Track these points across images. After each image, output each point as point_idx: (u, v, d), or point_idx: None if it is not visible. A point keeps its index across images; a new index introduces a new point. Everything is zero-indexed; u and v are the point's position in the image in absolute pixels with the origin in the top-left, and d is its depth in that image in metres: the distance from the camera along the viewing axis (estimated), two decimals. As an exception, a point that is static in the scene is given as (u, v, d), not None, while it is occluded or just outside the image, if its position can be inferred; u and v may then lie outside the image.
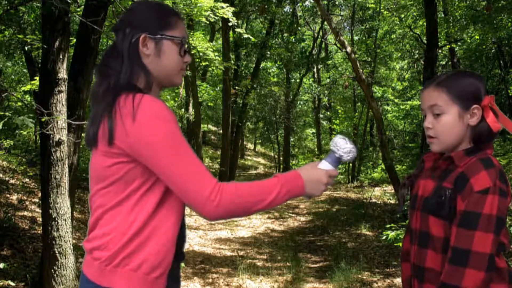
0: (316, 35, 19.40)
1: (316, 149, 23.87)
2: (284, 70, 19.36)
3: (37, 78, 4.80)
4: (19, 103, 8.66)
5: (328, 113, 22.29)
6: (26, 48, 6.71)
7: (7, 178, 7.33)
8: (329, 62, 19.46)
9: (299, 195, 1.38)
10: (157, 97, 1.43)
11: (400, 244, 4.50)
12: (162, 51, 1.39)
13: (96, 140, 1.33)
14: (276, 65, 18.72)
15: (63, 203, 4.15)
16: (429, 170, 1.55)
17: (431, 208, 1.45)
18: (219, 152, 18.06)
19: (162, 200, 1.33)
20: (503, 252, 1.45)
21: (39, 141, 4.82)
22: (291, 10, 17.85)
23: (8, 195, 6.74)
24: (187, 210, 2.37)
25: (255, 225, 8.77)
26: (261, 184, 1.33)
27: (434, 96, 1.46)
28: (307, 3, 18.34)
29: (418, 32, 13.52)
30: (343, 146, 1.43)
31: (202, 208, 1.27)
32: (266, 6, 13.71)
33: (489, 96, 1.45)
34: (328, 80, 20.59)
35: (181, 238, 1.44)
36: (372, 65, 15.15)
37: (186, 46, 1.45)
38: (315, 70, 21.50)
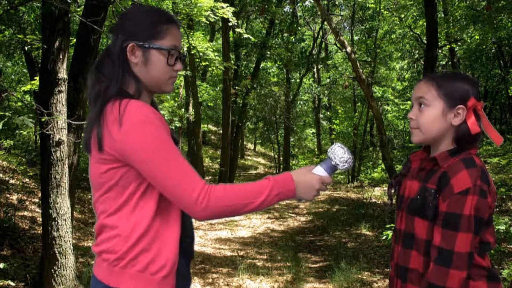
0: (316, 35, 19.40)
1: (316, 149, 23.87)
2: (284, 70, 19.35)
3: (37, 78, 4.80)
4: (19, 103, 8.67)
5: (328, 113, 22.30)
6: (26, 48, 6.71)
7: (7, 178, 7.33)
8: (329, 62, 19.47)
9: (289, 198, 1.40)
10: (148, 102, 1.45)
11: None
12: (149, 60, 1.39)
13: (90, 146, 1.36)
14: (276, 65, 18.71)
15: (63, 203, 4.15)
16: (416, 171, 1.56)
17: (417, 209, 1.46)
18: (219, 152, 18.06)
19: (161, 201, 1.35)
20: (489, 251, 1.46)
21: (39, 141, 4.83)
22: (291, 10, 17.86)
23: (8, 195, 6.74)
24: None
25: (255, 225, 8.77)
26: (251, 186, 1.34)
27: (423, 89, 1.49)
28: (307, 3, 18.36)
29: (418, 32, 13.52)
30: (340, 155, 1.43)
31: (191, 210, 1.29)
32: (266, 6, 13.71)
33: (477, 100, 1.46)
34: (328, 80, 20.60)
35: (188, 236, 1.46)
36: (372, 65, 15.15)
37: (178, 54, 1.44)
38: (315, 70, 21.51)
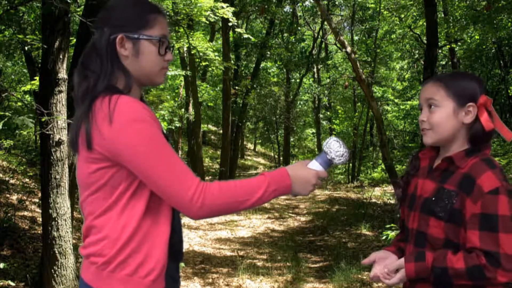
0: (316, 35, 19.40)
1: (316, 149, 23.87)
2: (284, 70, 19.35)
3: (37, 78, 4.80)
4: (19, 103, 8.68)
5: (328, 113, 22.28)
6: (26, 48, 6.71)
7: (7, 178, 7.33)
8: (329, 62, 19.46)
9: (285, 193, 1.37)
10: (138, 97, 1.40)
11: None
12: (140, 51, 1.35)
13: (77, 144, 1.31)
14: (276, 65, 18.71)
15: (63, 203, 4.15)
16: (426, 169, 1.56)
17: (432, 210, 1.45)
18: (219, 152, 18.06)
19: (150, 201, 1.31)
20: None
21: (39, 141, 4.83)
22: (291, 10, 17.86)
23: (8, 195, 6.74)
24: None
25: (255, 225, 8.76)
26: (247, 183, 1.31)
27: (432, 90, 1.49)
28: (307, 3, 18.35)
29: (418, 32, 13.53)
30: (336, 149, 1.41)
31: (186, 209, 1.26)
32: (266, 6, 13.71)
33: (486, 97, 1.46)
34: (328, 80, 20.59)
35: (177, 238, 1.43)
36: (372, 65, 15.14)
37: (168, 43, 1.39)
38: (315, 70, 21.50)
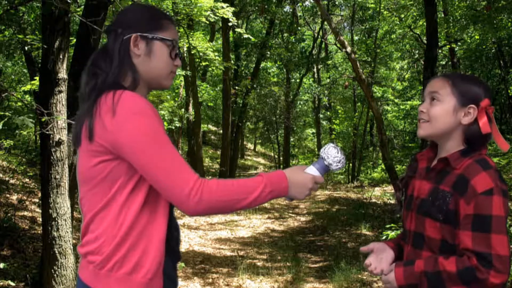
0: (316, 35, 19.39)
1: (316, 149, 23.87)
2: (284, 70, 19.35)
3: (37, 78, 4.80)
4: (19, 103, 8.67)
5: (328, 113, 22.28)
6: (26, 48, 6.71)
7: (7, 178, 7.34)
8: (329, 62, 19.45)
9: (282, 196, 1.38)
10: (143, 96, 1.41)
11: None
12: (152, 52, 1.39)
13: (80, 139, 1.33)
14: (276, 65, 18.71)
15: (63, 203, 4.15)
16: (424, 170, 1.56)
17: (428, 211, 1.45)
18: (219, 152, 18.06)
19: (148, 198, 1.32)
20: None
21: (39, 141, 4.82)
22: (291, 10, 17.85)
23: (8, 195, 6.75)
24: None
25: (255, 225, 8.77)
26: (244, 183, 1.33)
27: (438, 84, 1.51)
28: (307, 3, 18.36)
29: (418, 32, 13.52)
30: (334, 155, 1.43)
31: (183, 205, 1.27)
32: (266, 6, 13.72)
33: (489, 103, 1.47)
34: (328, 80, 20.59)
35: (174, 236, 1.43)
36: (372, 65, 15.14)
37: (178, 48, 1.44)
38: (315, 70, 21.49)
